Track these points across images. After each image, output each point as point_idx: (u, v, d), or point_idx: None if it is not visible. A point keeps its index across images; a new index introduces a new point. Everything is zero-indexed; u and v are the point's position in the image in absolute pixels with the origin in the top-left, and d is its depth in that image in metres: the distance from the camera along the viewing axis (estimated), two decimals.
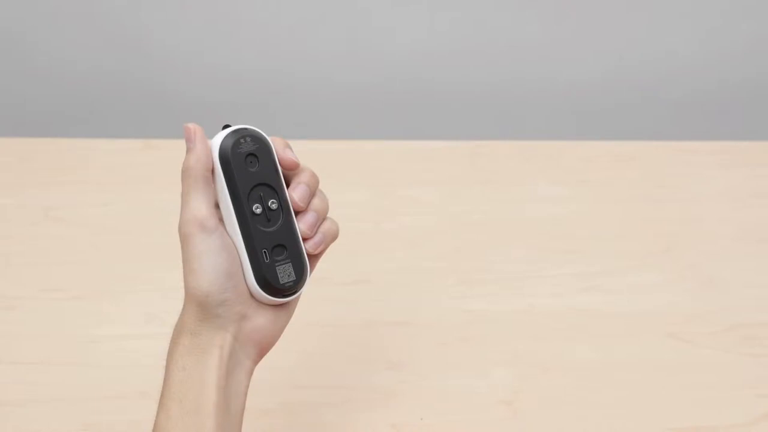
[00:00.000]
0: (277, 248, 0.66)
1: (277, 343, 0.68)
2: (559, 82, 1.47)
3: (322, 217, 0.68)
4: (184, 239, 0.63)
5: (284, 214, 0.66)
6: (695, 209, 1.13)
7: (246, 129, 0.66)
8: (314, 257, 0.68)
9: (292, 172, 0.68)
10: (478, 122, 1.49)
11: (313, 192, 0.68)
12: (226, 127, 0.66)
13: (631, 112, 1.49)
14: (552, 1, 1.41)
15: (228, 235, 0.65)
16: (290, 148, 0.68)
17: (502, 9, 1.41)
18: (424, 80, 1.47)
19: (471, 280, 1.02)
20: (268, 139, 0.67)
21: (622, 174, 1.18)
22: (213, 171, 0.65)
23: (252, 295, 0.65)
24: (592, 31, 1.44)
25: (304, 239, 0.67)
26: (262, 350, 0.67)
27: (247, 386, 0.66)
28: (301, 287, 0.67)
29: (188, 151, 0.65)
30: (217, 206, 0.65)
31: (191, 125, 0.65)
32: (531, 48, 1.45)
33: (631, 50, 1.45)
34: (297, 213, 0.67)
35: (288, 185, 0.67)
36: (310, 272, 0.68)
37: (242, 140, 0.65)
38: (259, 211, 0.65)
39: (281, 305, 0.67)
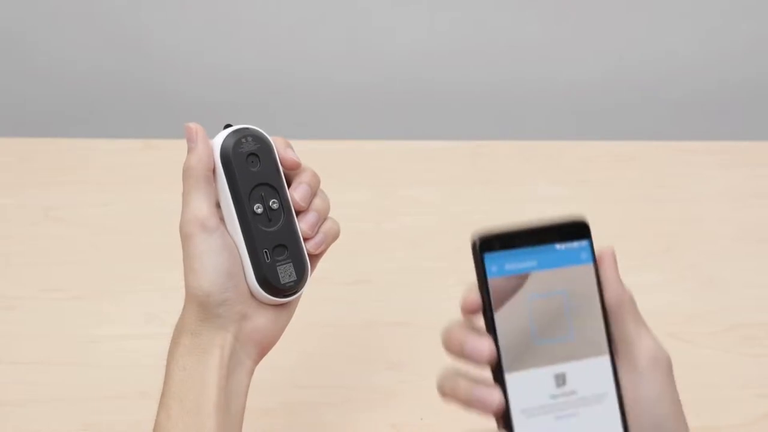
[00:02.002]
0: (278, 248, 0.66)
1: (278, 343, 0.68)
2: (559, 82, 1.47)
3: (323, 217, 0.68)
4: (185, 239, 0.63)
5: (285, 213, 0.66)
6: (695, 209, 1.13)
7: (247, 129, 0.66)
8: (315, 257, 0.68)
9: (293, 171, 0.68)
10: (478, 122, 1.49)
11: (314, 192, 0.68)
12: (227, 126, 0.66)
13: (631, 112, 1.49)
14: (552, 1, 1.41)
15: (229, 234, 0.65)
16: (291, 147, 0.68)
17: (502, 9, 1.41)
18: (424, 80, 1.47)
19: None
20: (270, 138, 0.67)
21: (622, 174, 1.18)
22: (214, 171, 0.65)
23: (253, 295, 0.65)
24: (592, 31, 1.44)
25: (305, 239, 0.67)
26: (263, 350, 0.67)
27: (248, 386, 0.66)
28: (302, 287, 0.67)
29: (189, 150, 0.65)
30: (218, 206, 0.65)
31: (192, 125, 0.65)
32: (531, 48, 1.45)
33: (631, 50, 1.45)
34: (298, 213, 0.67)
35: (289, 185, 0.67)
36: (311, 272, 0.68)
37: (243, 140, 0.65)
38: (260, 210, 0.65)
39: (282, 305, 0.67)
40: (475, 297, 0.53)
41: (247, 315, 0.65)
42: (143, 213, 1.11)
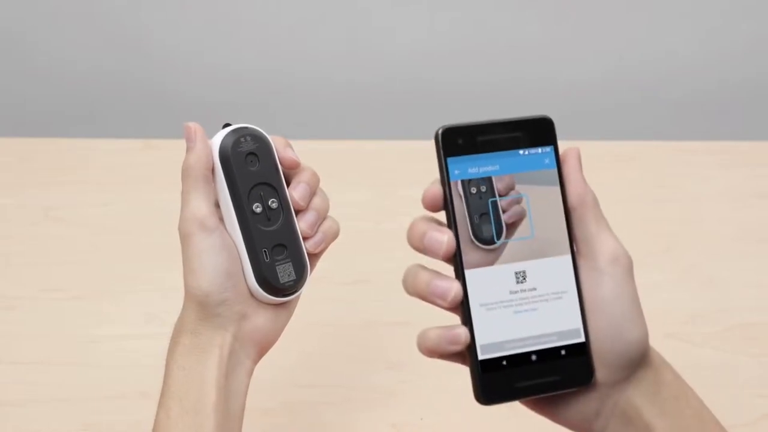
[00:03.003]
0: (277, 247, 0.66)
1: (278, 343, 0.68)
2: (559, 82, 1.47)
3: (322, 216, 0.68)
4: (184, 238, 0.63)
5: (284, 213, 0.66)
6: (695, 209, 1.13)
7: (246, 128, 0.66)
8: (314, 256, 0.68)
9: (292, 171, 0.68)
10: None
11: (313, 191, 0.68)
12: (226, 126, 0.66)
13: (631, 112, 1.49)
14: (552, 1, 1.41)
15: (228, 234, 0.65)
16: (291, 147, 0.68)
17: (502, 9, 1.41)
18: (424, 80, 1.47)
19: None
20: (269, 138, 0.67)
21: (622, 174, 1.18)
22: (213, 170, 0.65)
23: (252, 295, 0.65)
24: (592, 31, 1.44)
25: (305, 238, 0.67)
26: (262, 350, 0.67)
27: (247, 386, 0.66)
28: (301, 286, 0.67)
29: (188, 150, 0.65)
30: (217, 205, 0.65)
31: (191, 124, 0.65)
32: (531, 48, 1.45)
33: (631, 50, 1.45)
34: (297, 212, 0.67)
35: (288, 184, 0.67)
36: (311, 271, 0.68)
37: (242, 139, 0.65)
38: (259, 210, 0.65)
39: (281, 304, 0.67)
40: (437, 190, 0.54)
41: (246, 314, 0.65)
42: (143, 213, 1.11)
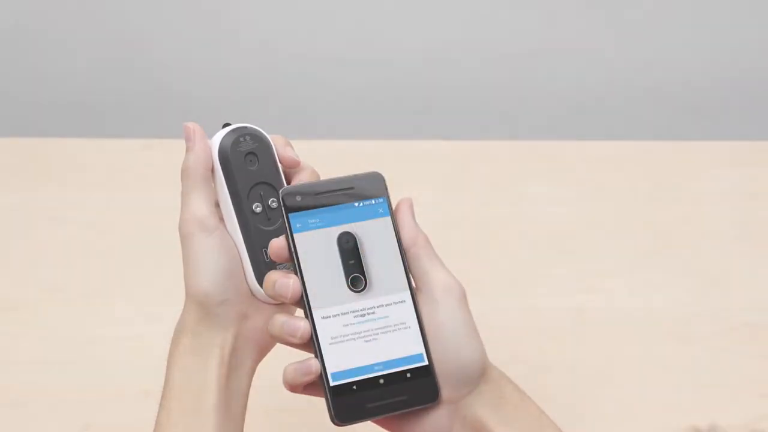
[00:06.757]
0: None
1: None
2: (559, 82, 1.47)
3: None
4: (185, 239, 0.63)
5: None
6: (695, 209, 1.13)
7: (246, 127, 0.66)
8: None
9: (292, 170, 0.68)
10: (478, 122, 1.49)
11: None
12: (226, 125, 0.66)
13: (631, 112, 1.49)
14: (552, 1, 1.41)
15: (228, 234, 0.65)
16: (291, 146, 0.68)
17: (502, 9, 1.41)
18: (424, 80, 1.47)
19: (471, 280, 1.02)
20: (268, 137, 0.67)
21: (622, 174, 1.18)
22: (213, 170, 0.65)
23: (253, 295, 0.65)
24: (593, 31, 1.44)
25: None
26: (264, 350, 0.67)
27: (249, 386, 0.66)
28: None
29: (188, 150, 0.65)
30: (217, 205, 0.65)
31: (191, 124, 0.65)
32: (531, 48, 1.45)
33: (631, 50, 1.45)
34: None
35: (288, 184, 0.67)
36: None
37: (242, 139, 0.65)
38: (259, 210, 0.65)
39: (282, 304, 0.67)
40: (281, 244, 0.61)
41: (247, 315, 0.65)
42: (143, 213, 1.11)
